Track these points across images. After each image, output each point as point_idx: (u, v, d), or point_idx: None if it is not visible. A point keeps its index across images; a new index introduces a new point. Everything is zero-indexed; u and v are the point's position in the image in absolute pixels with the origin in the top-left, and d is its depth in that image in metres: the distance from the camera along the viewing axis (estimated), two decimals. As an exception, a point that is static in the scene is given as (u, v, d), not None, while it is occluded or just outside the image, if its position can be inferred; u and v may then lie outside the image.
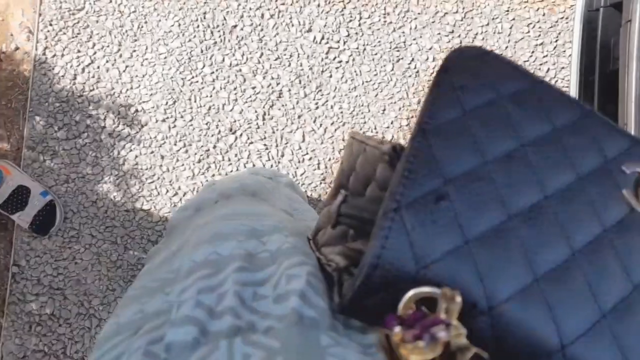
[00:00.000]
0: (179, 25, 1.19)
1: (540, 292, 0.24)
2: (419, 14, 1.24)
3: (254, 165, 1.18)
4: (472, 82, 0.29)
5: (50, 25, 1.17)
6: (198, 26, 1.20)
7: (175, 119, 1.17)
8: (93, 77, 1.17)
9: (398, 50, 1.22)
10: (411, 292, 0.23)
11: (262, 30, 1.22)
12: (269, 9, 1.23)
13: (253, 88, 1.19)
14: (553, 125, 0.29)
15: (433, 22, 1.23)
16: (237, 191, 0.55)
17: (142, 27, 1.19)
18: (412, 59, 1.22)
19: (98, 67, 1.17)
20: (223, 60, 1.20)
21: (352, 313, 0.27)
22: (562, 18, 1.24)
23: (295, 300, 0.29)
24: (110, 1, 1.18)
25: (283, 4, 1.24)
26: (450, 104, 0.28)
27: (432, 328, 0.21)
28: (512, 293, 0.23)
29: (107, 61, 1.17)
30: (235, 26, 1.22)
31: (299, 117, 1.19)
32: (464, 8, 1.23)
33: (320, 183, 1.18)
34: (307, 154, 1.18)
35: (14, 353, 1.08)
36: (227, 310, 0.30)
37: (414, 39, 1.23)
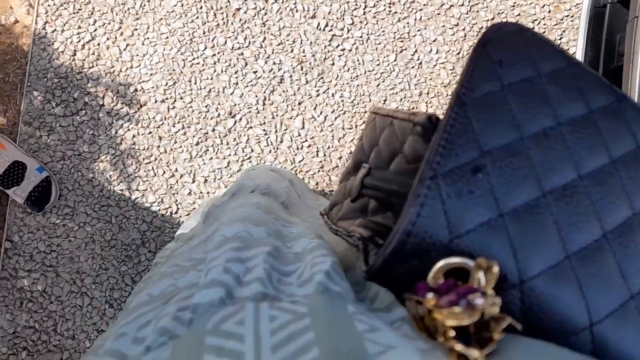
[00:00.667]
0: (182, 5, 1.18)
1: (571, 269, 0.24)
2: (424, 5, 1.23)
3: (252, 151, 1.17)
4: (510, 57, 0.29)
5: (51, -1, 1.15)
6: (201, 7, 1.19)
7: (175, 100, 1.16)
8: (93, 54, 1.15)
9: (402, 41, 1.22)
10: (443, 262, 0.23)
11: (265, 14, 1.21)
12: (273, -7, 1.22)
13: (254, 72, 1.18)
14: (588, 107, 0.29)
15: (438, 14, 1.22)
16: (275, 193, 0.56)
17: (144, 5, 1.17)
18: (416, 51, 1.21)
19: (98, 44, 1.16)
20: (225, 43, 1.19)
21: (379, 279, 0.27)
22: (567, 16, 1.23)
23: (320, 276, 0.30)
24: (113, -22, 1.17)
25: (288, -12, 1.23)
26: (488, 77, 0.28)
27: (468, 295, 0.21)
28: (543, 269, 0.24)
29: (107, 38, 1.16)
30: (238, 9, 1.20)
31: (300, 103, 1.18)
32: (469, 1, 1.22)
33: (318, 171, 1.18)
34: (306, 141, 1.17)
35: (4, 328, 1.08)
36: (254, 280, 0.30)
37: (419, 30, 1.22)
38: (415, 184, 0.25)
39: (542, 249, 0.24)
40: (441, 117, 0.28)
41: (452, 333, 0.21)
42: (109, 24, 1.16)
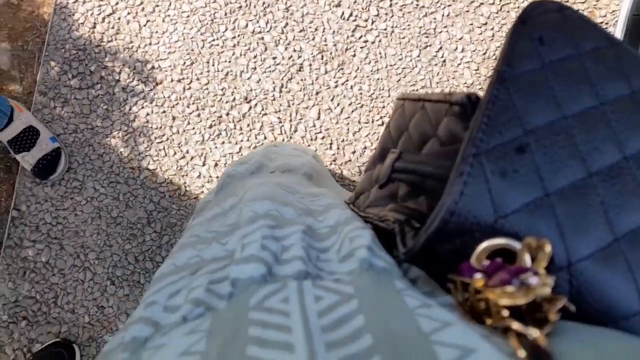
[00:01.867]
0: (205, -16, 1.16)
1: (621, 252, 0.23)
2: (453, 1, 1.20)
3: (265, 138, 1.15)
4: (550, 35, 0.28)
5: (75, -30, 1.14)
6: (224, -12, 1.17)
7: (191, 81, 1.14)
8: (113, 27, 1.14)
9: (427, 37, 1.18)
10: (487, 242, 0.23)
11: (289, -1, 1.18)
12: (299, -21, 1.19)
13: (274, 58, 1.16)
14: (631, 87, 0.28)
15: (467, 11, 1.18)
16: (295, 168, 0.55)
17: (167, -18, 1.15)
18: (440, 47, 1.18)
19: (119, 19, 1.14)
20: (246, 26, 1.17)
21: (418, 261, 0.26)
22: (601, 23, 1.18)
23: (363, 251, 0.29)
24: (138, -48, 1.15)
25: (314, -25, 1.20)
26: (528, 55, 0.27)
27: (520, 274, 0.20)
28: (592, 251, 0.23)
29: (128, 13, 1.14)
30: (262, -8, 1.18)
31: (317, 93, 1.16)
32: (500, 0, 1.18)
33: (331, 164, 1.15)
34: (320, 132, 1.15)
35: (6, 296, 1.08)
36: (295, 258, 0.30)
37: (445, 27, 1.18)
38: (458, 162, 0.24)
39: (591, 231, 0.23)
40: (481, 95, 0.27)
41: (505, 312, 0.20)
42: (131, -2, 1.14)
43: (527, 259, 0.22)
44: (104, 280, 1.09)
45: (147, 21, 1.15)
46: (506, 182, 0.23)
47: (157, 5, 1.15)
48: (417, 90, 1.17)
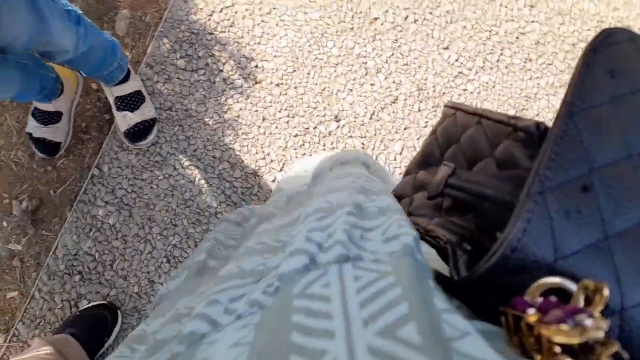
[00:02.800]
0: (326, -1, 1.18)
1: None
2: (561, 71, 1.19)
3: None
4: (622, 66, 0.27)
5: (206, -44, 1.18)
6: (342, 6, 1.19)
7: (289, 88, 1.16)
8: (228, 20, 1.17)
9: (526, 100, 1.18)
10: (544, 280, 0.23)
11: (400, 31, 1.19)
12: (415, 13, 1.20)
13: (372, 85, 1.17)
14: None
15: (573, 84, 1.17)
16: (352, 159, 0.56)
17: (290, -12, 1.18)
18: (537, 114, 1.17)
19: (236, 12, 1.17)
20: (353, 47, 1.18)
21: (469, 290, 0.26)
22: None
23: (409, 238, 0.29)
24: (269, -47, 1.18)
25: (431, 13, 1.21)
26: (598, 87, 0.26)
27: (575, 315, 0.20)
28: None
29: (246, 9, 1.17)
30: (376, 18, 1.19)
31: (405, 129, 1.17)
32: (609, 82, 1.16)
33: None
34: (399, 167, 1.16)
35: (68, 247, 1.12)
36: (335, 243, 0.30)
37: (547, 95, 1.18)
38: (523, 197, 0.24)
39: None
40: (549, 126, 0.27)
41: (558, 349, 0.21)
42: (252, -4, 1.17)
43: (581, 300, 0.22)
44: (161, 257, 1.12)
45: (262, 21, 1.18)
46: (569, 223, 0.23)
47: (275, 8, 1.18)
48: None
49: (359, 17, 1.19)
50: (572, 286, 0.22)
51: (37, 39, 0.74)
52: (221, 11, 1.17)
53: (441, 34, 1.19)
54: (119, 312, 1.10)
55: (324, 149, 1.16)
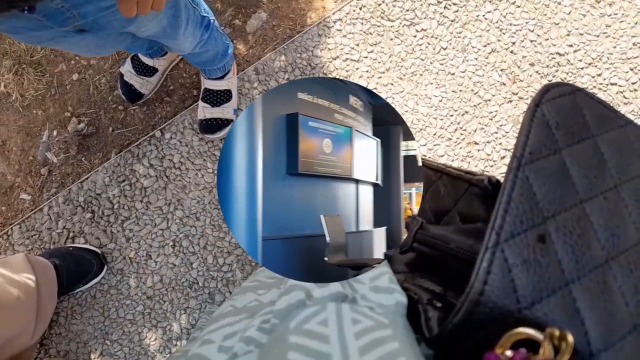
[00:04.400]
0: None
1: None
2: None
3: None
4: (565, 118, 0.28)
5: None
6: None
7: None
8: (346, 71, 1.20)
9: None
10: (512, 332, 0.23)
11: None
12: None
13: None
14: None
15: None
16: None
17: (415, 66, 1.20)
18: None
19: (357, 69, 1.20)
20: (437, 155, 1.20)
21: (443, 347, 0.27)
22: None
23: (402, 298, 0.30)
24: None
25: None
26: (544, 140, 0.27)
27: None
28: (615, 341, 0.23)
29: (366, 71, 1.20)
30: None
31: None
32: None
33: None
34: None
35: (95, 184, 1.13)
36: (331, 281, 0.31)
37: None
38: (482, 251, 0.25)
39: (612, 320, 0.24)
40: (501, 180, 0.28)
41: None
42: (374, 47, 1.20)
43: (549, 349, 0.22)
44: (169, 239, 1.13)
45: (373, 87, 1.20)
46: (529, 272, 0.24)
47: (398, 83, 1.20)
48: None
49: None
50: (539, 336, 0.23)
51: (163, 38, 0.75)
52: (345, 60, 1.19)
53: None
54: (105, 267, 1.10)
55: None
